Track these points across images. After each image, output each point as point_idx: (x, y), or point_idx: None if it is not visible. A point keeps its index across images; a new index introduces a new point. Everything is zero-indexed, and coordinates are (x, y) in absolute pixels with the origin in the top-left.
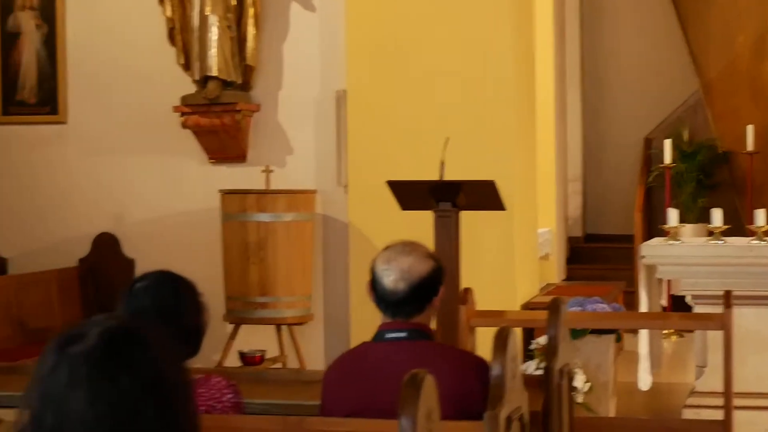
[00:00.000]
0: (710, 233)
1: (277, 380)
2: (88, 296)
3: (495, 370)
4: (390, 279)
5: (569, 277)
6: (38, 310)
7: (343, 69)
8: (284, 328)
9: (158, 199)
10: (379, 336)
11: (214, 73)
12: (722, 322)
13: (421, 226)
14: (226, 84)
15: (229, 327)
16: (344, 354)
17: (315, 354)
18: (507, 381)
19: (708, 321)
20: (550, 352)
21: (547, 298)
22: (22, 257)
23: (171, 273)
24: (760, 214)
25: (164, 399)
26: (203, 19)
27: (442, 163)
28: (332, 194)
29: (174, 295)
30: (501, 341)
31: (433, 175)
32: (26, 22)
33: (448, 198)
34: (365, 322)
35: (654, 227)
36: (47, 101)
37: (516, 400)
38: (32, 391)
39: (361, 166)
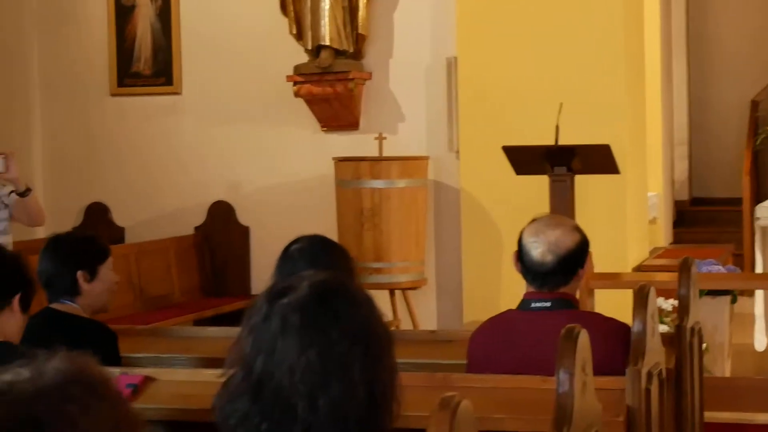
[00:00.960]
0: None
1: (411, 340)
2: (204, 263)
3: (636, 327)
4: (538, 251)
5: (676, 241)
6: (156, 277)
7: (454, 36)
8: (398, 293)
9: (272, 167)
10: (524, 305)
11: (327, 42)
12: None
13: (530, 191)
14: (338, 53)
15: None
16: (490, 320)
17: (428, 318)
18: (648, 337)
19: None
20: (681, 311)
21: (658, 261)
22: (139, 226)
23: (324, 237)
24: None
25: (369, 350)
26: None
27: (557, 128)
28: (444, 160)
29: (328, 258)
30: (641, 298)
31: (542, 140)
32: None
33: (563, 162)
34: (477, 287)
35: (762, 190)
36: (162, 72)
37: (655, 356)
38: (243, 341)
39: (472, 132)
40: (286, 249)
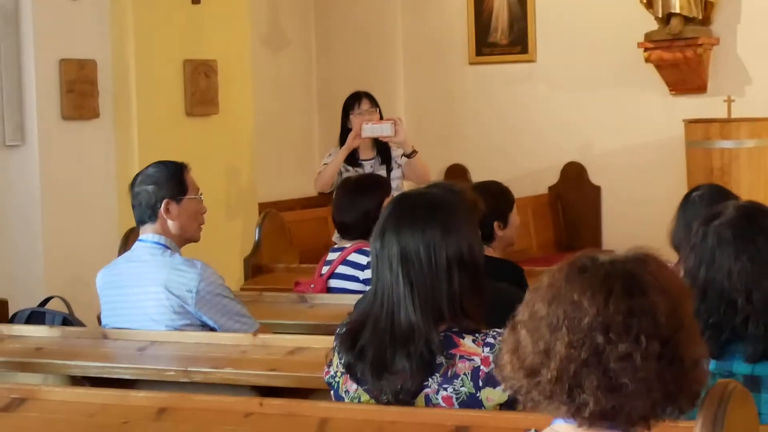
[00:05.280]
0: None
1: None
2: (558, 220)
3: None
4: None
5: None
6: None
7: None
8: None
9: (622, 129)
10: None
11: (677, 10)
12: None
13: None
14: (687, 20)
15: None
16: None
17: None
18: None
19: None
20: None
21: None
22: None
23: (719, 185)
24: None
25: None
26: None
27: None
28: None
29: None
30: None
31: None
32: None
33: None
34: None
35: None
36: (518, 42)
37: None
38: (687, 257)
39: None
40: (688, 195)
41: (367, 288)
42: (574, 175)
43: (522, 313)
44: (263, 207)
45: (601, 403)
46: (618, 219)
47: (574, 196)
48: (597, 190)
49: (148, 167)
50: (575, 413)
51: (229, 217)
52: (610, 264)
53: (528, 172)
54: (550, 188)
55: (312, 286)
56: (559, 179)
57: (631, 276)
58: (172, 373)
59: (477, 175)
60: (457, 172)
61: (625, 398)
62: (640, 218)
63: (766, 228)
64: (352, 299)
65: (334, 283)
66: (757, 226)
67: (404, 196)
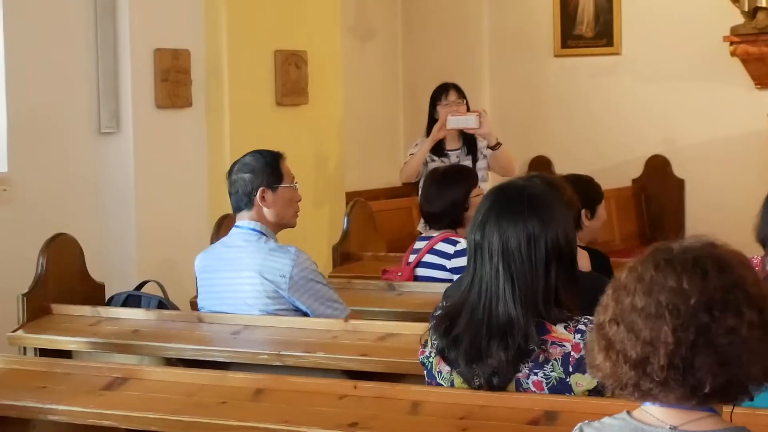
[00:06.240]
0: None
1: None
2: (642, 213)
3: None
4: None
5: None
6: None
7: None
8: None
9: (706, 122)
10: None
11: (764, 4)
12: None
13: None
14: None
15: None
16: None
17: None
18: None
19: None
20: None
21: None
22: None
23: None
24: None
25: None
26: None
27: None
28: None
29: None
30: None
31: None
32: None
33: None
34: None
35: None
36: (603, 35)
37: None
38: None
39: None
40: None
41: (454, 277)
42: (658, 167)
43: (605, 312)
44: (349, 196)
45: (719, 379)
46: (701, 212)
47: (658, 189)
48: (681, 183)
49: (245, 156)
50: (692, 394)
51: (317, 205)
52: (691, 249)
53: (612, 165)
54: (634, 181)
55: (399, 274)
56: (643, 172)
57: (716, 256)
58: (265, 356)
59: (561, 167)
60: (540, 164)
61: (740, 369)
62: (723, 212)
63: None
64: (440, 287)
65: (421, 271)
66: None
67: (504, 188)
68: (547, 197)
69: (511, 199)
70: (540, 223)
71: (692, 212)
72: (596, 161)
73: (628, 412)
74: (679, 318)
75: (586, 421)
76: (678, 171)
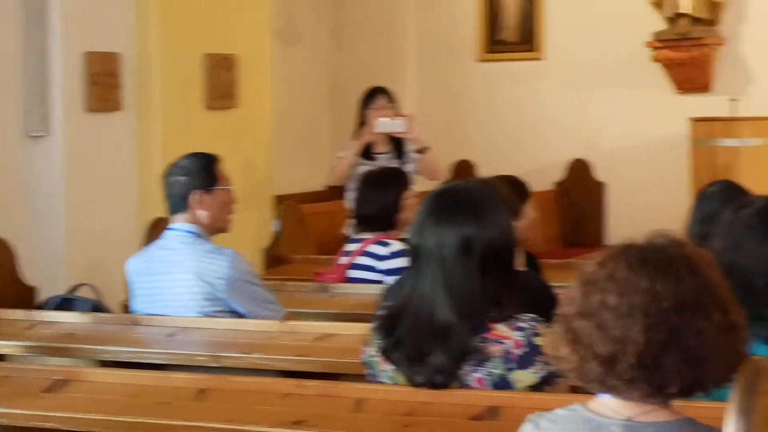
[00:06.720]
0: None
1: None
2: (563, 216)
3: None
4: None
5: None
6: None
7: None
8: None
9: (628, 127)
10: None
11: (686, 10)
12: None
13: None
14: (694, 20)
15: None
16: None
17: None
18: None
19: None
20: None
21: None
22: None
23: (732, 182)
24: None
25: None
26: None
27: None
28: None
29: (738, 198)
30: None
31: None
32: None
33: None
34: None
35: None
36: (527, 40)
37: None
38: (718, 240)
39: None
40: (702, 191)
41: (387, 278)
42: (580, 171)
43: (571, 305)
44: (276, 200)
45: (685, 379)
46: (622, 215)
47: (580, 193)
48: (602, 186)
49: (180, 158)
50: (657, 392)
51: (245, 208)
52: (663, 250)
53: (535, 168)
54: (557, 184)
55: (332, 276)
56: (566, 175)
57: (687, 258)
58: (202, 358)
59: (484, 171)
60: (464, 167)
61: (705, 369)
62: (644, 214)
63: None
64: (373, 289)
65: (353, 273)
66: None
67: (442, 192)
68: (485, 199)
69: (449, 203)
70: (476, 226)
71: (613, 215)
72: (519, 165)
73: (582, 404)
74: (651, 318)
75: (538, 413)
76: (599, 174)
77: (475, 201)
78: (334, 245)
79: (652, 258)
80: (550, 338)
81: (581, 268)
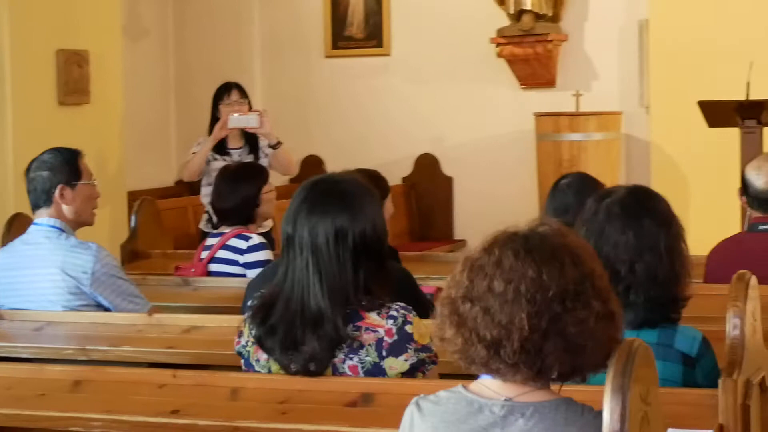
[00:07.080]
0: None
1: None
2: (412, 211)
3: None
4: (762, 181)
5: None
6: None
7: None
8: None
9: (474, 122)
10: (753, 227)
11: (529, 6)
12: None
13: (713, 144)
14: (538, 16)
15: None
16: (724, 240)
17: None
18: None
19: None
20: None
21: None
22: None
23: (587, 174)
24: None
25: (670, 236)
26: None
27: (748, 84)
28: (635, 115)
29: (589, 190)
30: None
31: (728, 96)
32: None
33: (753, 116)
34: None
35: None
36: (373, 36)
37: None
38: (582, 229)
39: (662, 89)
40: (557, 183)
41: (248, 272)
42: (427, 166)
43: (457, 288)
44: (129, 196)
45: (565, 365)
46: (470, 209)
47: (428, 187)
48: (449, 180)
49: (42, 153)
50: (537, 376)
51: (99, 204)
52: (547, 239)
53: (383, 163)
54: (404, 179)
55: (192, 270)
56: (413, 170)
57: (570, 248)
58: (70, 351)
59: (332, 166)
60: (312, 163)
61: (584, 356)
62: (491, 208)
63: (650, 208)
64: (234, 282)
65: (214, 267)
66: (644, 206)
67: (318, 182)
68: (357, 191)
69: (323, 194)
70: (349, 217)
71: (460, 209)
72: (367, 160)
73: (464, 386)
74: (535, 306)
75: (422, 395)
76: (446, 169)
77: (349, 192)
78: (189, 240)
79: (539, 248)
80: (434, 321)
81: (443, 258)
